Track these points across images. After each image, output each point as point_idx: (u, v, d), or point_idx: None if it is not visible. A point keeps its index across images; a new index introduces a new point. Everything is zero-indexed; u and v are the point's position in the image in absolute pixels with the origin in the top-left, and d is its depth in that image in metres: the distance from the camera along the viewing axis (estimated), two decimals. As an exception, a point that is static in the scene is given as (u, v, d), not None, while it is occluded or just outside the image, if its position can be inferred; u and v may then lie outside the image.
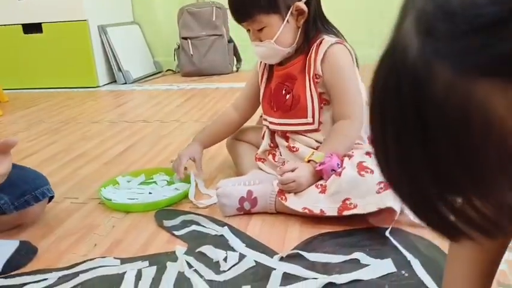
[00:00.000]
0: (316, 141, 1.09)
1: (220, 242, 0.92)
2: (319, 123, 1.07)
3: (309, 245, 0.89)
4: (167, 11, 3.41)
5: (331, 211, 0.94)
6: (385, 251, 0.84)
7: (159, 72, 3.60)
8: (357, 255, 0.83)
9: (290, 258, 0.85)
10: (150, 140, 1.73)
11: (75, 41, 3.00)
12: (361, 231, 0.93)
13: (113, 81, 3.20)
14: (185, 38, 3.27)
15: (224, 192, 1.02)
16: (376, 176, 0.90)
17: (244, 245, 0.91)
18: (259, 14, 1.03)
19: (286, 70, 1.11)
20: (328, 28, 1.10)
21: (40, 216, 1.09)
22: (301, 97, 1.07)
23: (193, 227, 1.00)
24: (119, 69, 3.15)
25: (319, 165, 0.98)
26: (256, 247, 0.90)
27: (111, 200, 1.15)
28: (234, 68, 3.38)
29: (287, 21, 1.04)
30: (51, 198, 1.08)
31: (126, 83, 3.13)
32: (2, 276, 0.87)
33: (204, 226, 1.00)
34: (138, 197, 1.18)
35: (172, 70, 3.54)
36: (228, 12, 1.12)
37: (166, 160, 1.47)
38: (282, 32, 1.04)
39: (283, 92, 1.11)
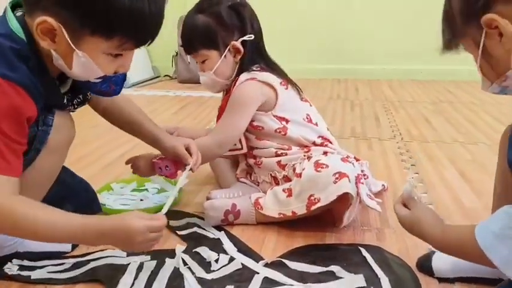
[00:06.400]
0: (276, 148, 1.20)
1: (216, 245, 1.04)
2: (250, 147, 1.23)
3: (293, 254, 1.00)
4: (168, 18, 3.51)
5: (301, 209, 1.06)
6: (360, 267, 0.95)
7: (157, 77, 3.71)
8: (333, 268, 0.93)
9: (274, 264, 0.96)
10: (146, 147, 1.81)
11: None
12: (343, 246, 1.04)
13: (111, 84, 3.29)
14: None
15: (212, 205, 1.14)
16: (331, 169, 1.04)
17: (236, 249, 1.02)
18: (201, 49, 1.18)
19: (223, 103, 1.26)
20: (268, 65, 1.22)
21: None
22: None
23: (195, 229, 1.11)
24: (117, 73, 3.24)
25: (157, 159, 1.14)
26: (246, 252, 1.01)
27: (105, 205, 1.23)
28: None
29: (224, 56, 1.19)
30: None
31: (124, 87, 3.22)
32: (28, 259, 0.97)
33: (204, 229, 1.12)
34: (129, 203, 1.27)
35: (169, 76, 3.66)
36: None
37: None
38: (220, 66, 1.19)
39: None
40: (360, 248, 1.01)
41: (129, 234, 0.80)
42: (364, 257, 0.98)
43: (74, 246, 1.03)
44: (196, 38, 1.18)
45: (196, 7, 1.20)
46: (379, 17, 3.51)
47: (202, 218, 1.15)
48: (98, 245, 0.89)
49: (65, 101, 0.93)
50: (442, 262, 0.91)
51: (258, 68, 1.20)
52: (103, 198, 1.28)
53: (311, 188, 1.05)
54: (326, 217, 1.11)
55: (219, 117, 1.26)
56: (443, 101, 2.72)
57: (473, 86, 3.16)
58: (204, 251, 1.00)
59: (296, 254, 1.00)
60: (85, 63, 0.81)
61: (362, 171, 1.17)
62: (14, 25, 0.80)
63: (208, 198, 1.18)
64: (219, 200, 1.15)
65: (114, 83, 0.90)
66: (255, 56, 1.21)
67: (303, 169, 1.08)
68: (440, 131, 2.04)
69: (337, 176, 1.02)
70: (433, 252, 0.94)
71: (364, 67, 3.62)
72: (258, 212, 1.12)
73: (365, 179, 1.14)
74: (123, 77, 0.91)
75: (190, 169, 1.05)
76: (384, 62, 3.58)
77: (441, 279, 0.90)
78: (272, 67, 1.23)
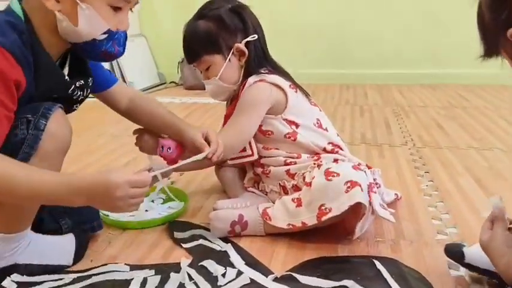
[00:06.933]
0: (284, 156, 1.16)
1: (223, 258, 0.99)
2: (258, 155, 1.18)
3: (304, 267, 0.95)
4: (173, 24, 3.50)
5: (311, 220, 1.01)
6: (374, 281, 0.89)
7: (163, 83, 3.69)
8: (346, 282, 0.88)
9: (284, 279, 0.91)
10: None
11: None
12: (356, 259, 0.99)
13: (117, 91, 3.28)
14: (189, 52, 3.38)
15: (217, 216, 1.09)
16: (342, 177, 0.99)
17: (244, 262, 0.97)
18: (204, 55, 1.14)
19: (229, 110, 1.21)
20: (274, 68, 1.18)
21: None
22: None
23: (201, 241, 1.07)
24: (123, 80, 3.24)
25: (164, 140, 1.09)
26: (254, 265, 0.96)
27: (108, 216, 1.18)
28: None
29: (229, 60, 1.15)
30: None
31: (130, 93, 3.21)
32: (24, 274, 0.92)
33: (210, 241, 1.07)
34: (134, 214, 1.20)
35: (175, 82, 3.64)
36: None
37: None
38: (225, 70, 1.15)
39: None
40: (374, 260, 0.96)
41: (108, 188, 0.77)
42: (379, 270, 0.93)
43: (75, 260, 0.98)
44: (198, 44, 1.14)
45: (196, 14, 1.17)
46: (387, 20, 3.45)
47: (209, 230, 1.11)
48: (77, 203, 0.80)
49: (67, 78, 0.91)
50: (475, 251, 0.87)
51: (266, 71, 1.16)
52: (106, 208, 1.24)
53: (322, 198, 1.00)
54: (338, 228, 1.06)
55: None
56: (455, 106, 2.66)
57: (486, 90, 3.10)
58: (211, 265, 0.95)
59: (307, 268, 0.95)
60: (90, 16, 0.83)
61: (374, 179, 1.12)
62: (15, 5, 0.84)
63: (214, 209, 1.14)
64: (225, 211, 1.11)
65: (118, 43, 0.90)
66: (261, 59, 1.17)
67: (313, 178, 1.04)
68: (453, 137, 1.98)
69: (348, 184, 0.98)
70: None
71: (372, 72, 3.56)
72: (266, 222, 1.08)
73: (377, 187, 1.09)
74: (125, 36, 0.91)
75: (207, 157, 1.00)
76: (393, 66, 3.53)
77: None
78: (279, 70, 1.19)
